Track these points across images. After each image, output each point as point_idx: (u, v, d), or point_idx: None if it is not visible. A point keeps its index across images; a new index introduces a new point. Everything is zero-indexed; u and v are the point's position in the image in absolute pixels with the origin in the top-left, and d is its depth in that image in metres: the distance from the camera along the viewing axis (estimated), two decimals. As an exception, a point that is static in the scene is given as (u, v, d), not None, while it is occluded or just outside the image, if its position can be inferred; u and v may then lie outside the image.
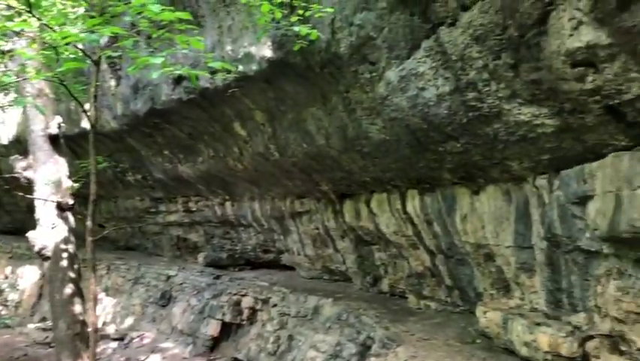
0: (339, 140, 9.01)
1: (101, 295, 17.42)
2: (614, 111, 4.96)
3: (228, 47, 8.97)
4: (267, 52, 8.20)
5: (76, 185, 10.63)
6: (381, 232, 10.98)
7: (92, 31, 4.98)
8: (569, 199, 6.19)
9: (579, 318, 6.88)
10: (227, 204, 15.45)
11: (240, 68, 8.90)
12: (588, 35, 4.45)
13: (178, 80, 10.48)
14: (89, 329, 8.91)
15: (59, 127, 10.63)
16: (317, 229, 13.05)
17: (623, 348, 6.19)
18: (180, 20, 4.90)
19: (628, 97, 4.62)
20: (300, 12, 6.43)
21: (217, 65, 5.29)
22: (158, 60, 4.35)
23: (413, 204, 9.71)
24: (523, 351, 7.44)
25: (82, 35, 5.18)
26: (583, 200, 5.91)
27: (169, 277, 16.75)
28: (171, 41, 5.65)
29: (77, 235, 10.60)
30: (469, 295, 9.63)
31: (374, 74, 7.20)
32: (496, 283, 8.70)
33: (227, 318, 13.93)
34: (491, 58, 5.56)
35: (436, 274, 10.34)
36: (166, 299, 16.28)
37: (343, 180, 10.67)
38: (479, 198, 8.33)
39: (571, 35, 4.59)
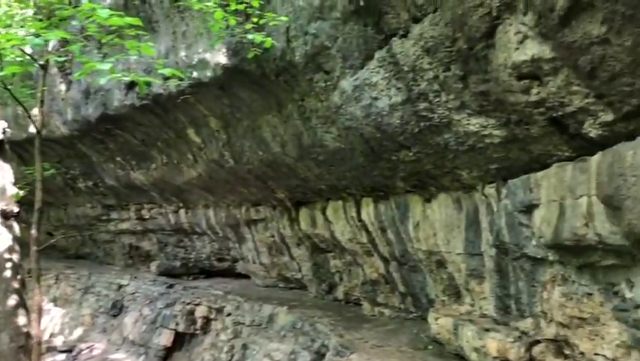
0: (294, 148, 9.01)
1: (49, 306, 16.85)
2: (558, 123, 5.13)
3: (182, 53, 8.87)
4: (222, 58, 8.15)
5: (21, 192, 10.24)
6: (337, 239, 11.02)
7: (38, 35, 4.84)
8: (516, 208, 6.37)
9: (526, 323, 7.07)
10: (182, 211, 15.22)
11: (195, 74, 8.81)
12: (533, 49, 4.61)
13: (131, 85, 10.28)
14: (34, 341, 8.58)
15: (4, 132, 10.22)
16: (272, 236, 12.99)
17: (566, 352, 6.39)
18: (130, 26, 4.81)
19: (570, 109, 4.79)
20: (255, 20, 6.42)
21: (167, 71, 5.21)
22: (106, 66, 4.26)
23: (368, 211, 9.80)
24: (473, 357, 7.59)
25: (27, 38, 5.02)
26: (529, 208, 6.09)
27: (120, 286, 16.36)
28: (123, 47, 5.54)
29: (23, 243, 10.22)
30: (422, 301, 9.76)
31: (329, 82, 7.24)
32: (447, 289, 8.86)
33: (181, 328, 13.70)
34: (441, 69, 5.68)
35: (389, 281, 10.44)
36: (117, 309, 15.88)
37: (299, 188, 10.68)
38: (431, 206, 8.47)
39: (517, 49, 4.74)
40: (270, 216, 12.66)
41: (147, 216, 16.34)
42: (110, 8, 6.58)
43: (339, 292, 12.30)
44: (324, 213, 11.00)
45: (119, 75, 4.83)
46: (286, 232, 12.40)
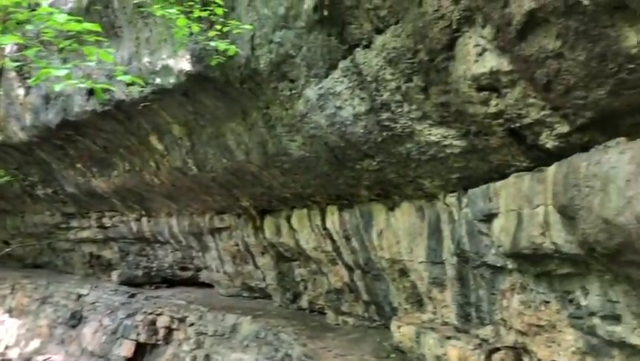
0: (259, 155, 8.98)
1: (4, 317, 16.30)
2: (516, 134, 5.26)
3: (146, 59, 8.76)
4: (186, 65, 8.08)
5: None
6: (302, 247, 11.00)
7: (-8, 38, 4.70)
8: (476, 216, 6.47)
9: (486, 331, 7.18)
10: (144, 219, 14.96)
11: (158, 80, 8.71)
12: (491, 62, 4.71)
13: (92, 91, 10.09)
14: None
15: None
16: (237, 245, 12.89)
17: (525, 359, 6.50)
18: (89, 32, 4.72)
19: (527, 121, 4.91)
20: (219, 27, 6.38)
21: (127, 78, 5.13)
22: (63, 72, 4.16)
23: (332, 220, 9.81)
24: (435, 364, 7.65)
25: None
26: (488, 217, 6.21)
27: (80, 296, 15.94)
28: (83, 52, 5.43)
29: (-24, 252, 9.89)
30: (385, 310, 9.81)
31: (293, 91, 7.25)
32: (410, 297, 8.93)
33: (142, 338, 13.42)
34: (403, 80, 5.76)
35: (354, 290, 10.46)
36: (76, 320, 15.47)
37: (264, 196, 10.63)
38: (394, 215, 8.54)
39: (476, 61, 4.84)
40: (235, 225, 12.56)
41: (108, 225, 16.00)
42: (71, 13, 6.48)
43: (304, 301, 12.26)
44: (289, 221, 10.96)
45: (76, 82, 4.73)
46: (251, 241, 12.31)
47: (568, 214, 4.58)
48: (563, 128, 4.66)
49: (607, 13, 3.47)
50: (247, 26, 6.51)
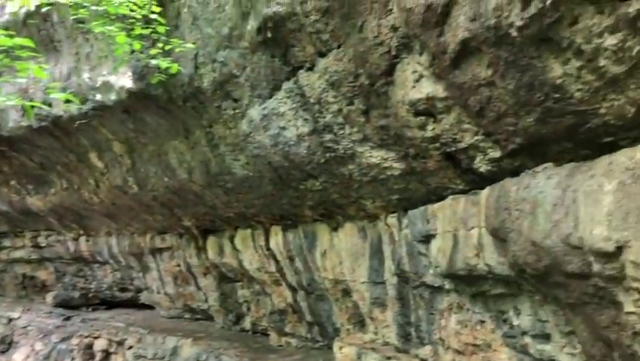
0: (202, 174, 8.88)
1: None
2: (452, 158, 5.41)
3: (86, 75, 8.56)
4: (127, 82, 7.95)
5: None
6: (245, 268, 10.89)
7: None
8: (415, 237, 6.60)
9: (425, 351, 7.28)
10: (82, 239, 14.47)
11: (98, 97, 8.53)
12: (428, 88, 4.85)
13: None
14: None
15: None
16: (178, 265, 12.63)
17: (462, 378, 6.62)
18: (22, 47, 4.57)
19: (462, 145, 5.07)
20: (161, 45, 6.32)
21: (60, 96, 5.00)
22: (-11, 87, 4.00)
23: (276, 240, 9.77)
24: (376, 385, 7.68)
25: None
26: (427, 238, 6.34)
27: (10, 319, 15.17)
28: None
29: None
30: (328, 330, 9.81)
31: (237, 110, 7.25)
32: (352, 318, 8.96)
33: (77, 363, 12.88)
34: (345, 103, 5.85)
35: (297, 311, 10.42)
36: (6, 345, 14.70)
37: (206, 216, 10.49)
38: (338, 235, 8.60)
39: (413, 87, 4.97)
40: (176, 245, 12.31)
41: (44, 244, 15.39)
42: (6, 27, 6.27)
43: (247, 323, 12.10)
44: (232, 241, 10.85)
45: (4, 99, 4.57)
46: (193, 261, 12.09)
47: (499, 237, 4.73)
48: (495, 153, 4.84)
49: (534, 45, 3.64)
50: (190, 45, 6.47)
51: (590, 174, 3.77)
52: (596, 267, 3.72)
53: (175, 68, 6.49)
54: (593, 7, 3.15)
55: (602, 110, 3.66)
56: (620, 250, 3.49)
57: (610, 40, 3.21)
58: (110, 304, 15.78)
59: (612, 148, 3.82)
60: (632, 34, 3.09)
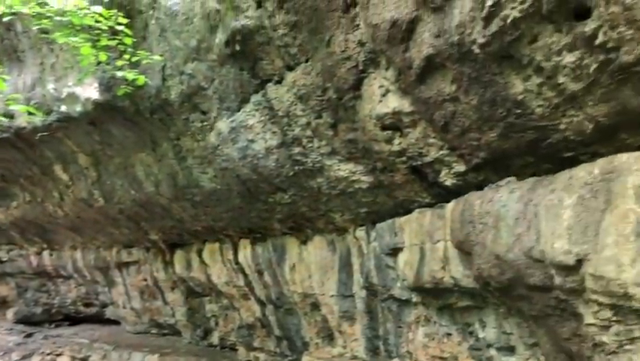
0: (169, 187, 8.77)
1: None
2: (418, 171, 5.47)
3: (51, 86, 8.40)
4: (93, 93, 7.83)
5: None
6: (213, 282, 10.76)
7: None
8: (383, 250, 6.62)
9: (393, 364, 7.29)
10: (45, 253, 14.11)
11: (63, 108, 8.38)
12: (394, 102, 4.91)
13: (-10, 116, 9.51)
14: None
15: None
16: (145, 280, 12.42)
17: (430, 390, 6.64)
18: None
19: (428, 159, 5.13)
20: (127, 57, 6.25)
21: (21, 108, 4.89)
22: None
23: (245, 253, 9.69)
24: (345, 399, 7.65)
25: None
26: (394, 251, 6.37)
27: (-31, 337, 14.66)
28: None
29: None
30: (297, 344, 9.73)
31: (205, 123, 7.20)
32: (321, 331, 8.92)
33: (38, 381, 12.50)
34: (313, 116, 5.87)
35: (265, 325, 10.32)
36: (-37, 363, 14.17)
37: (174, 229, 10.35)
38: (307, 248, 8.57)
39: (380, 101, 5.02)
40: (143, 259, 12.11)
41: (5, 259, 14.96)
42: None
43: (215, 338, 11.94)
44: (200, 255, 10.72)
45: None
46: (160, 275, 11.90)
47: (464, 250, 4.78)
48: (460, 167, 4.91)
49: (496, 62, 3.72)
50: (157, 57, 6.42)
51: (550, 189, 3.85)
52: (558, 280, 3.79)
53: (142, 80, 6.42)
54: (551, 26, 3.24)
55: (562, 126, 3.76)
56: (579, 263, 3.57)
57: (568, 58, 3.30)
58: (74, 319, 15.40)
59: (572, 163, 3.92)
60: (589, 52, 3.18)
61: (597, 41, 3.07)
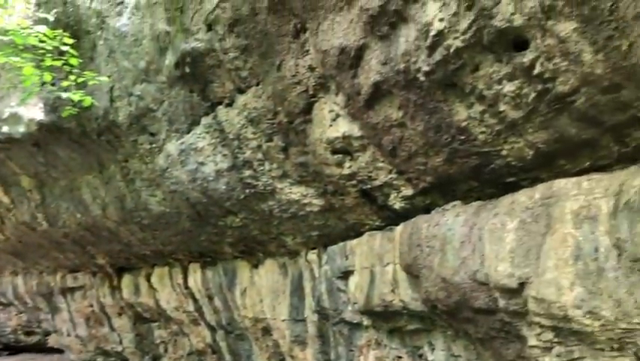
0: (116, 210, 8.56)
1: None
2: (368, 195, 5.52)
3: (-8, 105, 8.11)
4: (38, 114, 7.61)
5: None
6: (162, 308, 10.49)
7: None
8: (335, 274, 6.62)
9: (345, 388, 7.23)
10: (-16, 279, 13.48)
11: (5, 129, 8.09)
12: (344, 127, 4.96)
13: None
14: None
15: None
16: (91, 306, 12.00)
17: (381, 415, 6.62)
18: None
19: (377, 183, 5.19)
20: (73, 78, 6.12)
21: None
22: None
23: (195, 278, 9.51)
24: None
25: None
26: (345, 275, 6.37)
27: None
28: None
29: None
30: (248, 370, 9.57)
31: (154, 145, 7.09)
32: (272, 357, 8.79)
33: (-27, 416, 11.81)
34: (264, 139, 5.87)
35: (216, 351, 10.11)
36: None
37: (121, 253, 10.08)
38: (258, 272, 8.48)
39: (330, 126, 5.07)
40: (89, 284, 11.72)
41: (-61, 285, 14.18)
42: None
43: (164, 365, 11.61)
44: (148, 280, 10.46)
45: None
46: (107, 301, 11.53)
47: (412, 273, 4.83)
48: (408, 191, 4.98)
49: (440, 90, 3.82)
50: (103, 78, 6.31)
51: (494, 213, 3.95)
52: (502, 302, 3.87)
53: (88, 101, 6.28)
54: (492, 56, 3.35)
55: (504, 152, 3.87)
56: (522, 286, 3.66)
57: (508, 87, 3.42)
58: (14, 349, 14.75)
59: (514, 188, 4.04)
60: (528, 82, 3.31)
61: (535, 72, 3.19)
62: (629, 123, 3.15)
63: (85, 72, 6.24)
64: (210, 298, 9.38)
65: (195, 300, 9.70)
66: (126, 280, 10.94)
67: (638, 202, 3.01)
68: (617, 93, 2.97)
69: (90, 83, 6.21)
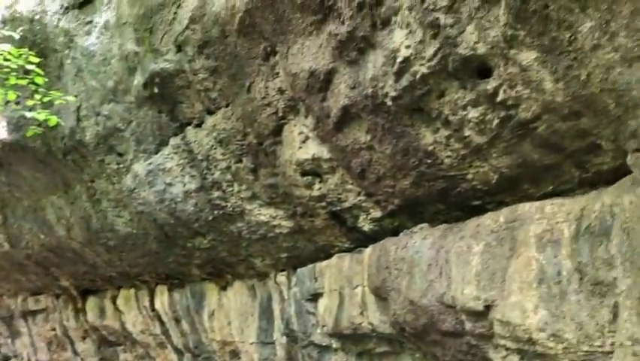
0: (82, 231, 8.40)
1: None
2: (337, 217, 5.53)
3: (-47, 123, 7.91)
4: (1, 133, 7.46)
5: None
6: (128, 331, 10.26)
7: None
8: (304, 296, 6.58)
9: (314, 412, 7.14)
10: (-60, 302, 12.99)
11: (-34, 147, 7.89)
12: (313, 149, 4.98)
13: None
14: None
15: None
16: (54, 329, 11.67)
17: None
18: None
19: (346, 205, 5.21)
20: (39, 97, 6.02)
21: None
22: None
23: (162, 300, 9.34)
24: None
25: None
26: (315, 297, 6.34)
27: None
28: None
29: None
30: (215, 394, 9.38)
31: (121, 165, 7.01)
32: (239, 380, 8.66)
33: None
34: (234, 160, 5.85)
35: (183, 375, 9.91)
36: None
37: (86, 275, 9.86)
38: (227, 294, 8.38)
39: (300, 147, 5.09)
40: (52, 307, 11.40)
41: None
42: None
43: (129, 389, 11.30)
44: (114, 302, 10.23)
45: None
46: (70, 324, 11.22)
47: (381, 295, 4.84)
48: (377, 213, 5.01)
49: (407, 114, 3.88)
50: (70, 98, 6.24)
51: (460, 236, 4.00)
52: (468, 325, 3.90)
53: (54, 120, 6.18)
54: (457, 82, 3.42)
55: (470, 176, 3.94)
56: (488, 309, 3.70)
57: (473, 113, 3.49)
58: (-30, 375, 14.12)
59: (480, 211, 4.10)
60: (491, 108, 3.38)
61: (498, 98, 3.27)
62: (588, 150, 3.24)
63: (51, 91, 6.14)
64: (177, 320, 9.21)
65: (162, 323, 9.51)
66: (91, 302, 10.67)
67: (598, 227, 3.08)
68: (577, 121, 3.06)
69: (56, 102, 6.12)
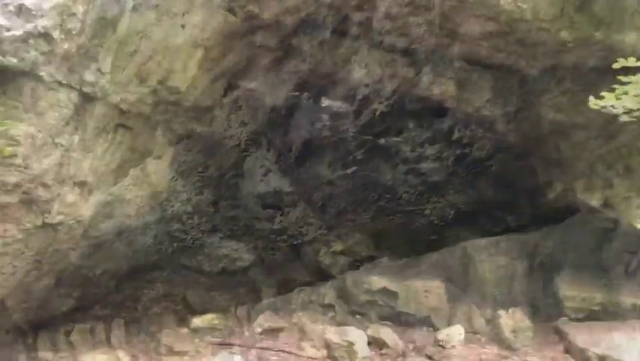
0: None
1: None
2: (298, 250, 5.52)
3: None
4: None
5: None
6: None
7: None
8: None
9: None
10: None
11: None
12: (275, 182, 5.01)
13: None
14: None
15: None
16: (2, 365, 11.07)
17: None
18: None
19: (307, 238, 5.23)
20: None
21: None
22: None
23: (118, 335, 9.02)
24: None
25: None
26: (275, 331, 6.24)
27: None
28: None
29: None
30: None
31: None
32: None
33: None
34: (194, 193, 5.78)
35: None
36: None
37: (39, 310, 9.46)
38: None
39: (262, 180, 5.10)
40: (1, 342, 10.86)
41: None
42: None
43: None
44: (68, 337, 9.81)
45: None
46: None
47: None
48: (338, 247, 5.03)
49: (367, 150, 3.97)
50: (22, 126, 6.05)
51: (416, 271, 4.04)
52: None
53: (7, 151, 5.98)
54: (414, 120, 3.52)
55: (427, 211, 4.02)
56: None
57: (430, 150, 3.59)
58: None
59: (438, 246, 4.17)
60: (447, 146, 3.48)
61: (454, 137, 3.37)
62: (539, 188, 3.35)
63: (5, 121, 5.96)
64: (135, 356, 8.91)
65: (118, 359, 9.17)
66: (43, 337, 10.20)
67: (549, 263, 3.17)
68: (527, 160, 3.18)
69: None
